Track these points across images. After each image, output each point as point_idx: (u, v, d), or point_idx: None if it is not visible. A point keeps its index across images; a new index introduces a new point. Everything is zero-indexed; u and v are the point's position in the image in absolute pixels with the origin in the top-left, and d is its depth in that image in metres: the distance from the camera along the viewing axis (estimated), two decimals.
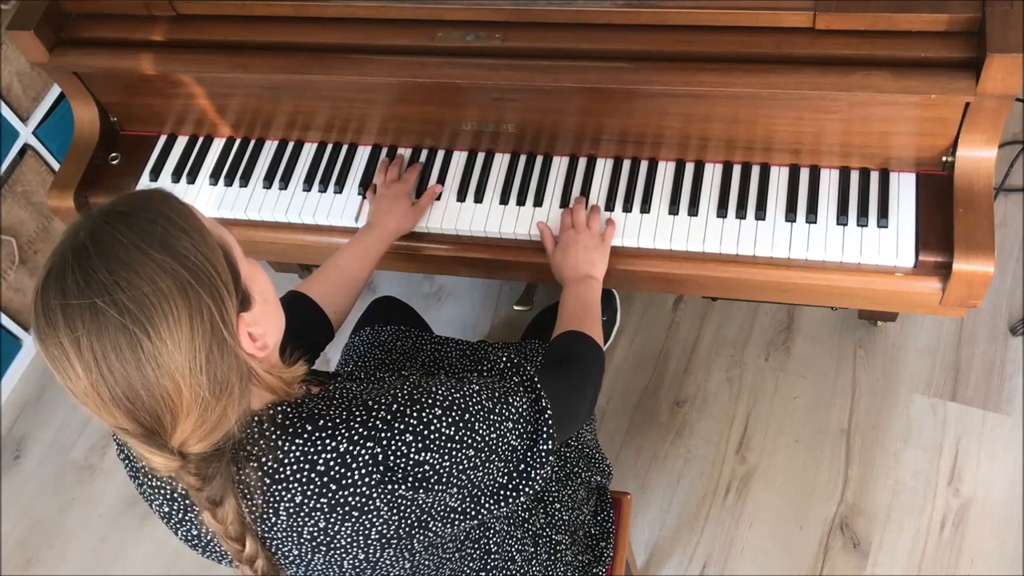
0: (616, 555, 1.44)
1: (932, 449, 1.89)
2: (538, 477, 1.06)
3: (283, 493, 0.96)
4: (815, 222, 1.44)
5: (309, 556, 1.02)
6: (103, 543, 2.13)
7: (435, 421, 0.97)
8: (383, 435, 0.95)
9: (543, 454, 1.07)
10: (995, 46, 1.25)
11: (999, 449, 1.87)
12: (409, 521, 0.99)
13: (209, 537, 1.04)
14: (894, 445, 1.91)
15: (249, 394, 0.93)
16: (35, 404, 2.36)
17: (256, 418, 0.96)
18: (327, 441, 0.95)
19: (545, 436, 1.07)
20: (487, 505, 1.04)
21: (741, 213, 1.47)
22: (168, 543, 2.08)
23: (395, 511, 0.97)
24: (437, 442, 0.97)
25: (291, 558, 1.03)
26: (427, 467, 0.96)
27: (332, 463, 0.95)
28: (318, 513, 0.97)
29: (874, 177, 1.45)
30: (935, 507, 1.83)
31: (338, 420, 0.96)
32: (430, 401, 0.98)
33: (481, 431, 1.00)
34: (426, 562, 1.07)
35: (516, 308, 1.95)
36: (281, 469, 0.95)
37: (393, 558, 1.02)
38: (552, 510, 1.35)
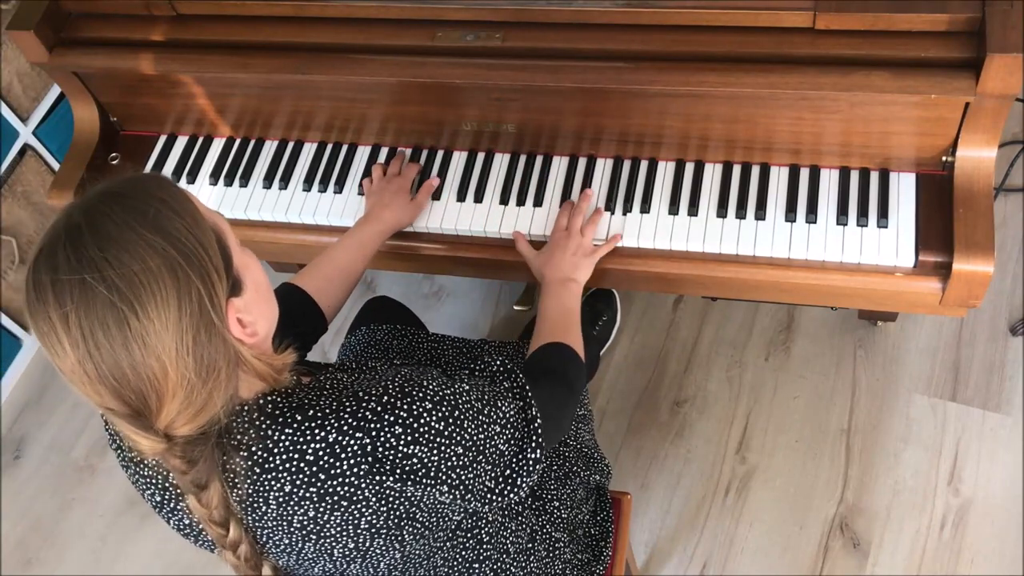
0: (616, 555, 1.44)
1: (932, 449, 1.89)
2: (524, 485, 1.07)
3: (272, 482, 0.96)
4: (815, 222, 1.44)
5: (300, 544, 1.02)
6: (103, 543, 2.13)
7: (425, 415, 0.97)
8: (372, 426, 0.96)
9: (531, 463, 1.07)
10: (995, 46, 1.25)
11: (999, 449, 1.87)
12: (398, 512, 0.99)
13: (200, 526, 1.04)
14: (894, 445, 1.91)
15: (236, 379, 0.93)
16: (35, 404, 2.36)
17: (246, 407, 0.96)
18: (316, 431, 0.95)
19: (534, 445, 1.07)
20: (474, 504, 1.05)
21: (741, 213, 1.47)
22: (168, 543, 2.08)
23: (383, 502, 0.98)
24: (426, 436, 0.97)
25: (282, 547, 1.03)
26: (415, 460, 0.96)
27: (321, 453, 0.95)
28: (307, 502, 0.97)
29: (874, 177, 1.45)
30: (935, 507, 1.83)
31: (328, 410, 0.96)
32: (421, 395, 0.98)
33: (470, 430, 1.00)
34: (417, 551, 1.07)
35: (516, 308, 1.95)
36: (271, 458, 0.95)
37: (383, 547, 1.03)
38: (550, 507, 1.35)
